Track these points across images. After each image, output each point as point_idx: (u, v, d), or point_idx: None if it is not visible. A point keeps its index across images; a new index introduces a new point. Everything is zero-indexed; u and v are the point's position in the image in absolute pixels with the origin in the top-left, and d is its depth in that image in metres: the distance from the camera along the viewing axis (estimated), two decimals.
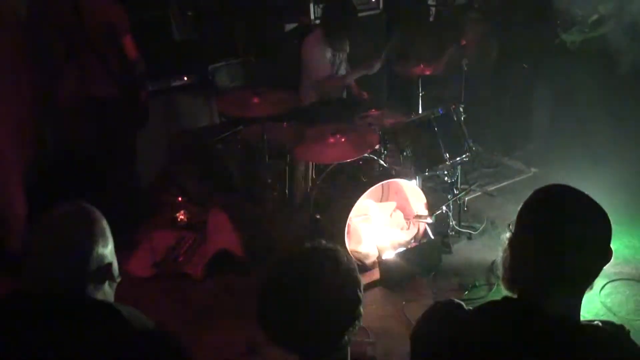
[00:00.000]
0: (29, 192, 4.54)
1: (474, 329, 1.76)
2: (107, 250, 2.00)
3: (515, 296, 1.76)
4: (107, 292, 2.04)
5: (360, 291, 1.85)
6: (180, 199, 5.56)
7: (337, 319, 1.79)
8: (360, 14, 5.95)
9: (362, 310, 1.84)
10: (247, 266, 4.51)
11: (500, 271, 1.81)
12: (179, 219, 5.20)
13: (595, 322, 1.72)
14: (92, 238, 1.96)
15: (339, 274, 1.81)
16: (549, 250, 1.67)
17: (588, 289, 1.72)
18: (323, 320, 1.77)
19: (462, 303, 1.87)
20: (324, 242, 1.91)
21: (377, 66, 5.37)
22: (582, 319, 1.73)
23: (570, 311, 1.70)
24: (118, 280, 2.07)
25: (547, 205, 1.75)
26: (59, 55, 4.72)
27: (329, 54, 5.38)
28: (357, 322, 1.82)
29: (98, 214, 2.04)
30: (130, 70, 4.69)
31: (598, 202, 1.71)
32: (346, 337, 1.81)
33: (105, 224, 2.03)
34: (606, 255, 1.69)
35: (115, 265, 2.05)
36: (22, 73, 4.48)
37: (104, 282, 2.01)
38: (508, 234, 1.77)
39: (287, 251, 1.93)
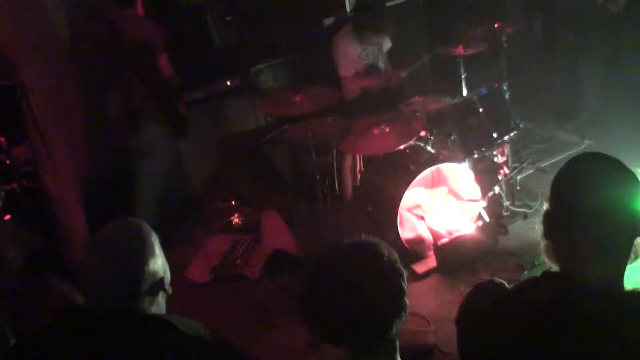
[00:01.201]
0: (87, 209, 4.68)
1: (516, 305, 1.74)
2: (159, 265, 2.03)
3: (556, 270, 1.74)
4: (160, 303, 2.07)
5: (405, 282, 1.85)
6: (233, 202, 5.62)
7: (381, 311, 1.79)
8: (398, 1, 5.91)
9: (407, 301, 1.83)
10: (303, 264, 4.54)
11: (541, 245, 1.79)
12: (233, 223, 5.27)
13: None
14: (142, 257, 1.98)
15: (380, 266, 1.81)
16: (575, 221, 1.64)
17: (632, 259, 1.67)
18: (367, 313, 1.78)
19: (504, 282, 1.86)
20: (364, 235, 1.92)
21: (403, 75, 5.39)
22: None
23: (612, 281, 1.65)
24: (170, 291, 2.10)
25: (569, 173, 1.72)
26: (103, 76, 4.84)
27: (358, 49, 5.31)
28: (403, 313, 1.82)
29: (147, 229, 2.06)
30: (168, 86, 4.77)
31: None
32: (394, 329, 1.81)
33: (154, 238, 2.06)
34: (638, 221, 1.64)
35: (168, 277, 2.08)
36: (72, 97, 4.63)
37: (157, 295, 2.04)
38: (545, 207, 1.75)
39: (328, 248, 1.95)
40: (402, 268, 1.86)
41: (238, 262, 4.74)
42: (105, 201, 4.65)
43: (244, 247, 4.90)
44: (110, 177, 4.85)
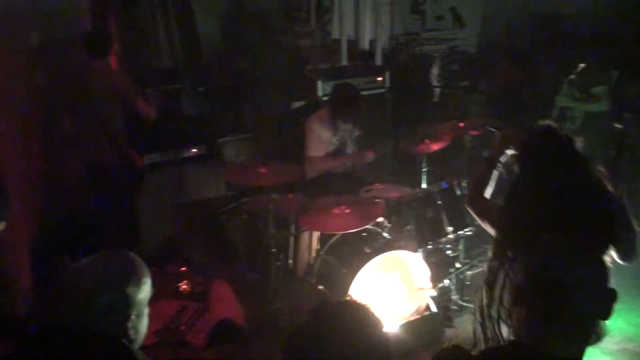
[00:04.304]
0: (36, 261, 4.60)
1: None
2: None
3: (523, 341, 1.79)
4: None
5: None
6: (183, 268, 5.58)
7: None
8: (366, 92, 6.12)
9: None
10: (249, 337, 4.50)
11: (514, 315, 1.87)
12: (181, 288, 5.21)
13: None
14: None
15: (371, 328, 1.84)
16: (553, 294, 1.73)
17: (593, 339, 1.74)
18: None
19: (467, 350, 1.91)
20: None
21: (370, 157, 5.51)
22: None
23: (573, 358, 1.72)
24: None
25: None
26: (65, 126, 4.86)
27: (328, 134, 5.41)
28: None
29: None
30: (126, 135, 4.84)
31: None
32: None
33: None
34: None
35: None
36: (33, 146, 4.62)
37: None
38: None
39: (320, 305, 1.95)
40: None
41: (183, 327, 4.67)
42: (53, 250, 4.58)
43: (190, 313, 4.83)
44: (66, 229, 4.80)
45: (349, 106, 5.29)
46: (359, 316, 1.86)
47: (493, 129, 3.52)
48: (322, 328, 1.82)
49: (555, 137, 2.79)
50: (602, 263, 1.84)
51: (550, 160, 2.75)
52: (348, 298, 1.96)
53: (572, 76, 6.07)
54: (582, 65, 6.01)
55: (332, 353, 1.76)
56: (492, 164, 3.20)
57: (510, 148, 3.14)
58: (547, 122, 2.90)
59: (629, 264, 2.85)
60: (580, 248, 1.83)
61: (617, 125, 3.22)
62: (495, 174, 3.20)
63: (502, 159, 3.19)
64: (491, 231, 3.05)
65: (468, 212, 4.63)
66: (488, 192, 3.22)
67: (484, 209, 3.15)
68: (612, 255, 2.79)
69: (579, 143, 2.71)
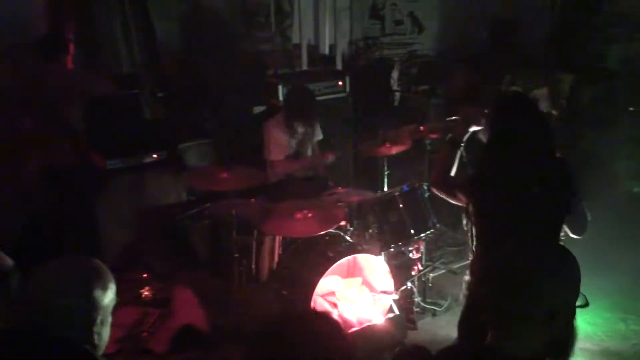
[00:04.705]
0: None
1: None
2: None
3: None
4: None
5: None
6: (145, 275, 5.52)
7: None
8: (327, 97, 6.15)
9: None
10: (212, 342, 4.47)
11: None
12: (143, 295, 5.16)
13: None
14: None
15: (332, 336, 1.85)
16: None
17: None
18: None
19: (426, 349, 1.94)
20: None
21: (331, 158, 5.56)
22: None
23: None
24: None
25: None
26: (24, 128, 4.78)
27: (286, 137, 5.45)
28: None
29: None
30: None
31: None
32: None
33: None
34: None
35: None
36: None
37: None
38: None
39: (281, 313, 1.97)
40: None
41: (145, 334, 4.62)
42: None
43: (152, 320, 4.79)
44: (27, 233, 4.72)
45: (303, 108, 5.35)
46: (321, 325, 1.87)
47: (453, 117, 3.63)
48: (286, 335, 1.83)
49: (524, 98, 3.26)
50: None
51: (521, 117, 3.01)
52: (311, 307, 1.96)
53: (508, 77, 6.16)
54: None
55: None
56: (456, 144, 3.34)
57: (471, 126, 3.32)
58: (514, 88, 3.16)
59: (580, 237, 3.08)
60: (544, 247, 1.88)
61: None
62: (458, 154, 3.34)
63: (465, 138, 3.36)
64: (464, 202, 3.21)
65: (430, 215, 4.75)
66: (452, 173, 3.36)
67: (454, 185, 3.28)
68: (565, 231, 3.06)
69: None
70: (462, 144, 3.37)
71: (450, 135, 3.43)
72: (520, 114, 3.04)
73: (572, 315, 1.84)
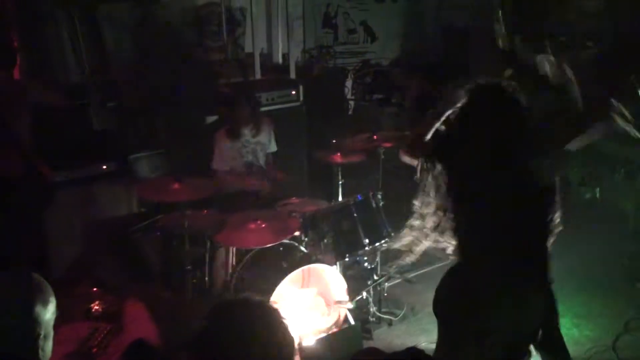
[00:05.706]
0: None
1: None
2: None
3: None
4: None
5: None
6: (95, 289, 5.39)
7: None
8: (281, 106, 6.11)
9: None
10: (165, 356, 4.37)
11: None
12: (93, 309, 5.01)
13: None
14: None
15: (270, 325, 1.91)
16: None
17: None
18: None
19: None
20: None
21: (280, 177, 5.57)
22: None
23: None
24: None
25: None
26: None
27: (235, 147, 5.44)
28: None
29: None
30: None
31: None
32: None
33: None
34: None
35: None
36: None
37: None
38: None
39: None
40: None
41: (95, 350, 4.48)
42: None
43: (102, 335, 4.65)
44: None
45: (243, 113, 5.36)
46: (258, 314, 1.96)
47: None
48: (222, 325, 1.94)
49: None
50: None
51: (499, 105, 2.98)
52: (250, 297, 1.97)
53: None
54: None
55: (232, 350, 1.87)
56: (438, 116, 3.26)
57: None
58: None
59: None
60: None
61: None
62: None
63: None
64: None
65: (384, 224, 4.73)
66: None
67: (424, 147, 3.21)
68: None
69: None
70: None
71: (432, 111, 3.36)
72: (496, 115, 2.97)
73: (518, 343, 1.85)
